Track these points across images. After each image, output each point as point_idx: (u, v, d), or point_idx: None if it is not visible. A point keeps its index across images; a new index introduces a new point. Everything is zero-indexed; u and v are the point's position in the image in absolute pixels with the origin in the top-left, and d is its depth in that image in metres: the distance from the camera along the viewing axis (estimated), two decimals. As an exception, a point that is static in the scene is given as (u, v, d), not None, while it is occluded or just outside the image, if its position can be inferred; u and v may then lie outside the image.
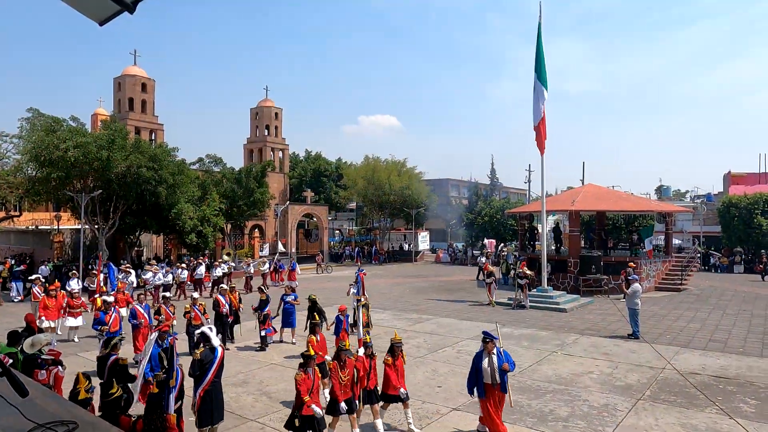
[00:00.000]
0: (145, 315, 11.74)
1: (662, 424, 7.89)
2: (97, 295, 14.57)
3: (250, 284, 23.77)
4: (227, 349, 11.83)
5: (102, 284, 16.10)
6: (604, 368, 10.94)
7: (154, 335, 7.63)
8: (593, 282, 21.97)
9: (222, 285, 14.79)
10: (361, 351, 7.62)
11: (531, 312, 17.99)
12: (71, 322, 13.87)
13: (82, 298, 15.13)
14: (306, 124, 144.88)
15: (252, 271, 24.60)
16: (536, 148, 19.35)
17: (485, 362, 7.08)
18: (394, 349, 7.68)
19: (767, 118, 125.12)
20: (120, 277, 18.98)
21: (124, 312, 13.93)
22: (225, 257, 27.31)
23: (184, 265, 23.04)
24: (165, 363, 6.72)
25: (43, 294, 15.19)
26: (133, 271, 20.38)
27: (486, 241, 43.54)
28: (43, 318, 13.15)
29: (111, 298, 12.79)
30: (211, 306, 13.40)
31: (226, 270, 23.63)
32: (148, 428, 5.44)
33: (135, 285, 20.03)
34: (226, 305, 13.17)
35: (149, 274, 20.41)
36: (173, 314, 11.84)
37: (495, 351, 7.15)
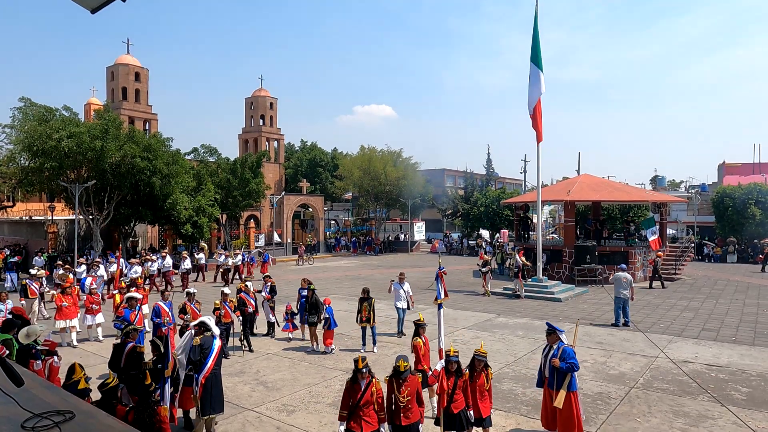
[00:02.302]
0: (170, 313, 10.92)
1: (655, 411, 7.99)
2: (116, 291, 13.25)
3: (228, 276, 22.96)
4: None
5: (120, 278, 15.06)
6: (598, 357, 11.03)
7: (190, 332, 7.45)
8: (588, 272, 22.11)
9: (248, 283, 13.26)
10: (440, 365, 6.51)
11: (526, 302, 18.08)
12: (91, 319, 12.73)
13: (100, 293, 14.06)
14: (301, 114, 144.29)
15: (230, 263, 23.51)
16: (532, 137, 19.39)
17: (544, 354, 6.84)
18: (475, 364, 6.45)
19: (762, 107, 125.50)
20: (79, 270, 18.16)
21: (146, 309, 13.04)
22: (199, 247, 26.85)
23: (154, 258, 21.97)
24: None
25: (39, 290, 14.47)
26: (102, 265, 19.07)
27: (482, 231, 43.71)
28: (58, 320, 12.24)
29: (138, 295, 11.57)
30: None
31: (191, 263, 22.46)
32: (137, 419, 5.43)
33: (106, 279, 19.10)
34: (253, 303, 12.34)
35: (113, 267, 19.10)
36: (199, 312, 10.99)
37: (557, 345, 6.64)
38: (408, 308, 12.97)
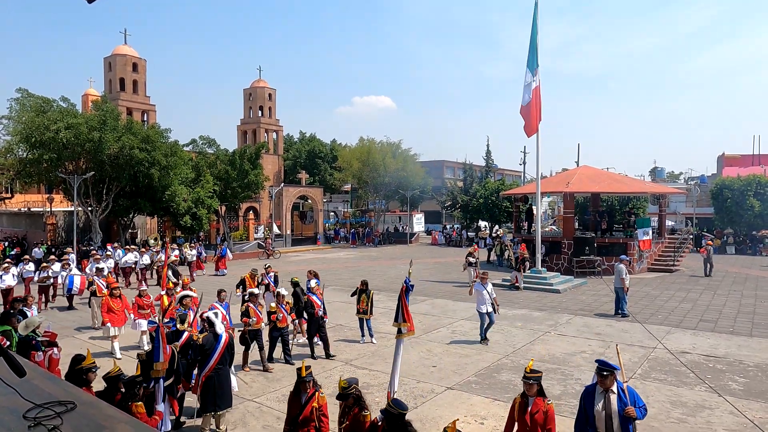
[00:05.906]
0: (227, 315, 9.57)
1: (653, 401, 8.03)
2: (163, 292, 11.34)
3: (145, 276, 20.34)
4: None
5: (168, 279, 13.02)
6: (597, 348, 11.08)
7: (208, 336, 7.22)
8: (587, 263, 22.16)
9: (314, 280, 11.37)
10: (380, 415, 4.65)
11: (525, 293, 18.14)
12: (145, 325, 11.15)
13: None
14: (300, 105, 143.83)
15: (206, 256, 21.61)
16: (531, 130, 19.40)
17: (599, 404, 5.02)
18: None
19: (762, 99, 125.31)
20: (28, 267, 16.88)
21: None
22: (151, 242, 26.54)
23: (109, 253, 20.63)
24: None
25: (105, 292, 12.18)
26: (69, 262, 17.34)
27: (481, 222, 43.71)
28: (109, 325, 10.91)
29: (193, 293, 10.19)
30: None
31: (149, 258, 20.50)
32: (119, 407, 5.51)
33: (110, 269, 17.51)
34: (321, 305, 10.72)
35: (57, 266, 16.40)
36: (261, 315, 10.23)
37: (616, 388, 5.03)
38: (494, 311, 11.56)
